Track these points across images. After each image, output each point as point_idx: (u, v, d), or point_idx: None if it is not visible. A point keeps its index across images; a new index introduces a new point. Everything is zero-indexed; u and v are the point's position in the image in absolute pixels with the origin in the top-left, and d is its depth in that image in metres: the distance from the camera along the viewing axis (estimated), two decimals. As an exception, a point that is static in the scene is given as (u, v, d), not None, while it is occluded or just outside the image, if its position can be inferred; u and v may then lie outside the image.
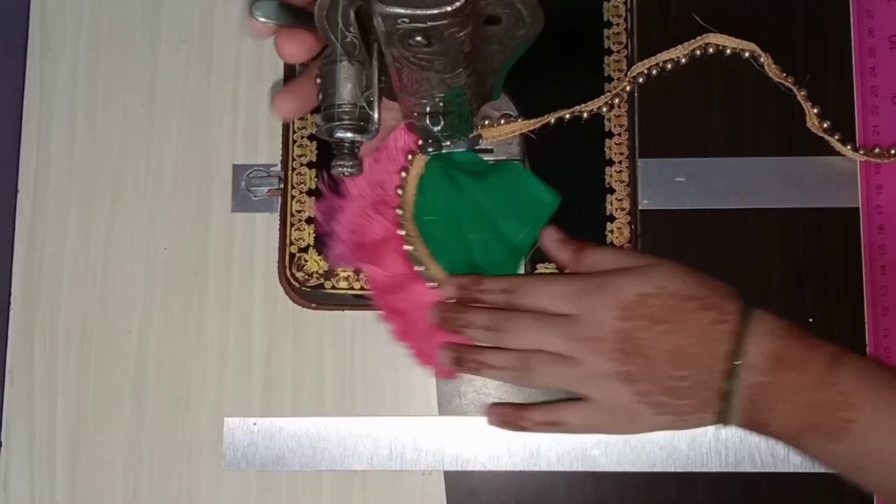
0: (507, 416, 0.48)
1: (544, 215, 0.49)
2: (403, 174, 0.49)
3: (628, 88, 0.51)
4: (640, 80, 0.52)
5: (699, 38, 0.52)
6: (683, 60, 0.52)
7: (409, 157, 0.50)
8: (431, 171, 0.50)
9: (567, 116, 0.51)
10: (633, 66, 0.51)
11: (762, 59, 0.51)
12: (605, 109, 0.51)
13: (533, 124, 0.50)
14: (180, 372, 0.52)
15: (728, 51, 0.52)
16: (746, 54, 0.52)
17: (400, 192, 0.49)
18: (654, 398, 0.44)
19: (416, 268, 0.48)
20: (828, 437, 0.42)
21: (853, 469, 0.42)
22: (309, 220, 0.51)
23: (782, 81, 0.51)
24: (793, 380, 0.42)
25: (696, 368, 0.44)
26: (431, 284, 0.48)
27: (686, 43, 0.52)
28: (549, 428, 0.47)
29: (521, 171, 0.50)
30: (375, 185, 0.50)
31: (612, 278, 0.46)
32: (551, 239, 0.48)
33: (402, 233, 0.49)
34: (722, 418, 0.44)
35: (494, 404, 0.49)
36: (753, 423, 0.44)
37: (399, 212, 0.49)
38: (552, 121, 0.51)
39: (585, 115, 0.51)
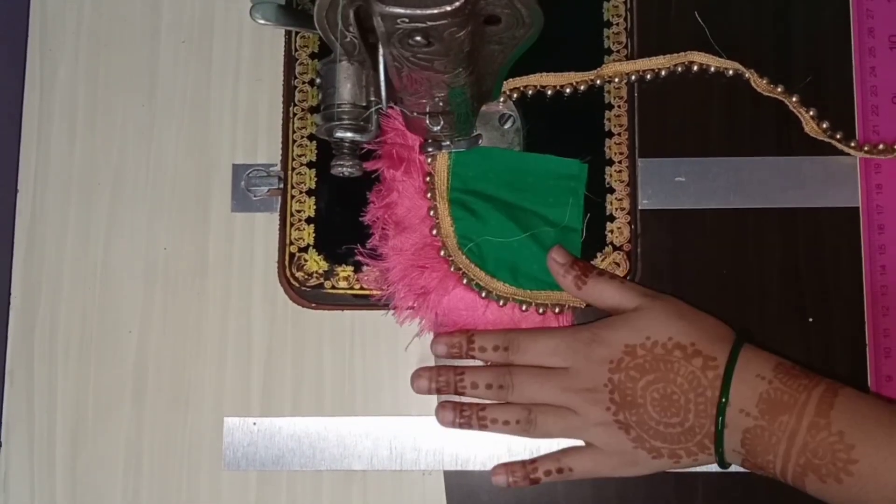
0: (517, 472, 0.49)
1: (580, 186, 0.50)
2: (431, 213, 0.50)
3: (598, 83, 0.51)
4: (617, 80, 0.51)
5: (682, 54, 0.52)
6: (663, 73, 0.52)
7: (429, 195, 0.50)
8: (455, 200, 0.50)
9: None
10: (609, 65, 0.51)
11: (747, 76, 0.51)
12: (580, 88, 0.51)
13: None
14: (180, 372, 0.52)
15: (712, 69, 0.52)
16: (731, 72, 0.52)
17: (435, 231, 0.50)
18: (649, 444, 0.46)
19: (482, 295, 0.49)
20: (829, 479, 0.42)
21: None
22: (309, 220, 0.51)
23: (771, 94, 0.51)
24: (786, 423, 0.43)
25: (686, 415, 0.45)
26: (501, 303, 0.49)
27: (669, 56, 0.52)
28: (557, 476, 0.48)
29: (536, 158, 0.50)
30: (409, 237, 0.50)
31: (600, 330, 0.47)
32: (555, 261, 0.49)
33: (454, 269, 0.49)
34: (720, 460, 0.45)
35: (502, 464, 0.49)
36: (754, 466, 0.44)
37: (443, 252, 0.49)
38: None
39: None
